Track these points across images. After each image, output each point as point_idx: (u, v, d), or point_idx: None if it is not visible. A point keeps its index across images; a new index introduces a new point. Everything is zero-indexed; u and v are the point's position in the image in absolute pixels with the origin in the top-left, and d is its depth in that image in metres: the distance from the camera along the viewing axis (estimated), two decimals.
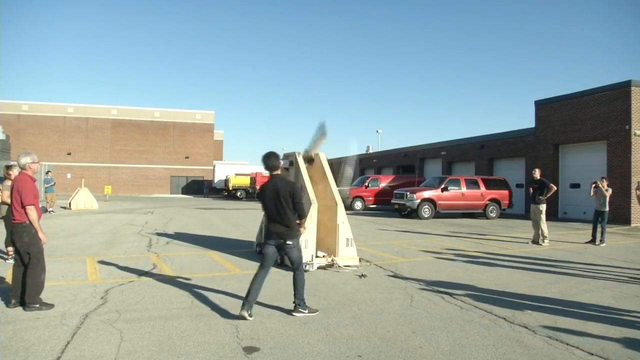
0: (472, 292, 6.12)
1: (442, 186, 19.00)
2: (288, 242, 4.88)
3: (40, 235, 5.13)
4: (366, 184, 24.99)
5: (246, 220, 16.99)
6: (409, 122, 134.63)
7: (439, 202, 18.78)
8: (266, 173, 5.21)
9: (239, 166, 47.23)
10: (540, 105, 21.31)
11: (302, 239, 7.31)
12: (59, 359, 3.71)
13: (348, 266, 7.67)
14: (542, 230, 11.21)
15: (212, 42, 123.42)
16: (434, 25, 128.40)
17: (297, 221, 4.99)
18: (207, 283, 6.46)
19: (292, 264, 5.02)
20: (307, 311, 4.93)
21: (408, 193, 18.91)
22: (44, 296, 5.21)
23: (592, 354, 3.96)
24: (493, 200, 19.54)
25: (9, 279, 6.18)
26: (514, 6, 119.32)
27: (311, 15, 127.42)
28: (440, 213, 19.29)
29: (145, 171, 48.30)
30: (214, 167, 48.47)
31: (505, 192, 19.97)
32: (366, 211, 23.63)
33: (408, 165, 33.15)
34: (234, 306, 5.14)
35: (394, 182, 25.05)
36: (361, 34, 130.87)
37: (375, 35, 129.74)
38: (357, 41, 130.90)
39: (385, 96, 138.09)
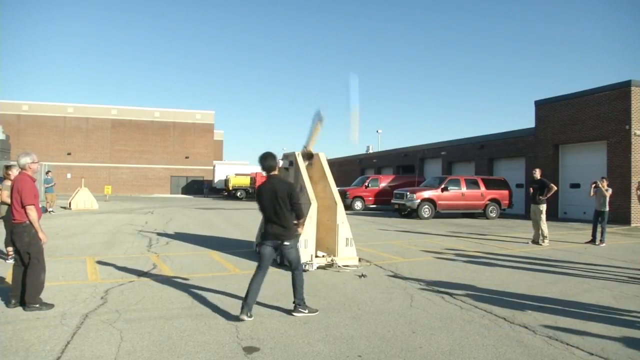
0: (472, 292, 6.12)
1: (442, 186, 19.00)
2: (285, 243, 4.87)
3: (40, 235, 5.13)
4: (366, 184, 24.98)
5: (246, 220, 16.99)
6: (409, 122, 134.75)
7: (439, 202, 18.78)
8: (265, 173, 5.20)
9: (239, 166, 47.24)
10: (540, 105, 21.31)
11: (302, 239, 7.33)
12: (59, 359, 3.71)
13: (348, 266, 7.67)
14: (542, 230, 11.21)
15: (212, 42, 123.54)
16: (434, 25, 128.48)
17: (295, 221, 4.98)
18: (207, 283, 6.46)
19: (290, 265, 5.00)
20: (307, 311, 4.93)
21: (408, 193, 18.91)
22: (44, 296, 5.21)
23: (592, 354, 3.96)
24: (493, 200, 19.54)
25: (9, 279, 6.18)
26: (514, 6, 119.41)
27: (311, 15, 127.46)
28: (440, 213, 19.29)
29: (145, 171, 48.30)
30: (214, 167, 48.47)
31: (505, 192, 19.98)
32: (366, 211, 23.63)
33: (408, 165, 33.15)
34: (234, 306, 5.14)
35: (394, 182, 25.04)
36: (361, 34, 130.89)
37: (375, 35, 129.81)
38: (357, 41, 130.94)
39: (385, 96, 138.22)
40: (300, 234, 5.23)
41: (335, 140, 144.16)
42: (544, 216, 11.25)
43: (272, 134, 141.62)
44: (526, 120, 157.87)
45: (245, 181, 39.91)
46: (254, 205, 5.54)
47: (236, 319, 4.71)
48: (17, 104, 45.70)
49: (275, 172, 5.06)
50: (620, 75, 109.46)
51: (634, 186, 16.55)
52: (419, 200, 18.44)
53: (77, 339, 4.16)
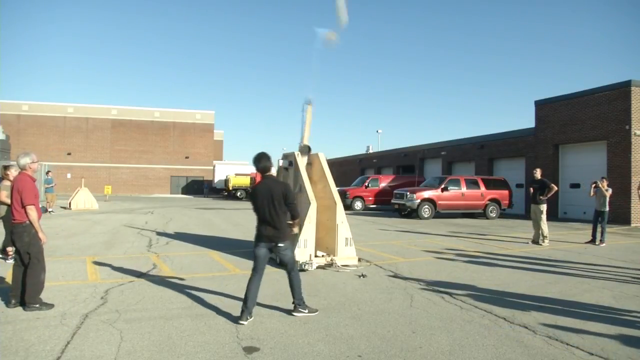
0: (472, 292, 6.12)
1: (442, 186, 19.00)
2: (280, 245, 4.84)
3: (40, 235, 5.14)
4: (366, 184, 24.98)
5: (246, 220, 16.99)
6: (409, 122, 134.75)
7: (439, 202, 18.79)
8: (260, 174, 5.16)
9: (239, 166, 47.20)
10: (540, 105, 21.32)
11: (302, 239, 7.35)
12: (59, 359, 3.71)
13: (347, 266, 7.67)
14: (542, 230, 11.22)
15: (212, 42, 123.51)
16: (434, 25, 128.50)
17: (290, 222, 4.97)
18: (207, 283, 6.46)
19: (286, 267, 4.96)
20: (307, 311, 4.93)
21: (408, 193, 18.91)
22: (44, 296, 5.21)
23: (592, 354, 3.96)
24: (493, 200, 19.55)
25: (9, 279, 6.18)
26: (514, 6, 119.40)
27: (311, 15, 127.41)
28: (440, 213, 19.29)
29: (145, 171, 48.30)
30: (214, 167, 48.47)
31: (505, 192, 19.98)
32: (366, 211, 23.63)
33: (408, 165, 33.15)
34: (234, 306, 5.14)
35: (394, 182, 25.05)
36: (361, 34, 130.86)
37: (375, 35, 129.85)
38: (357, 41, 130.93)
39: (385, 96, 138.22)
40: (295, 234, 5.22)
41: (335, 140, 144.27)
42: (544, 216, 11.25)
43: (272, 134, 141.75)
44: (526, 120, 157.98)
45: (245, 181, 39.91)
46: None
47: (236, 319, 4.71)
48: (17, 104, 45.70)
49: (270, 173, 5.03)
50: (620, 75, 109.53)
51: (634, 186, 16.55)
52: (419, 200, 18.44)
53: (77, 339, 4.16)
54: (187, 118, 50.02)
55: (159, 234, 12.44)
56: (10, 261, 7.25)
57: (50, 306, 5.09)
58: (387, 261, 8.48)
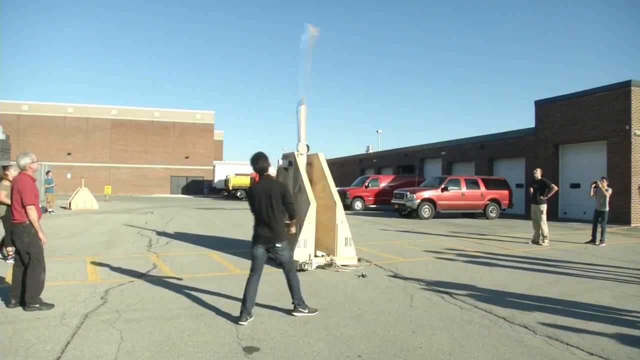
0: (472, 292, 6.12)
1: (442, 186, 19.01)
2: (277, 245, 4.83)
3: (40, 235, 5.14)
4: (366, 184, 24.98)
5: (246, 220, 16.98)
6: (409, 122, 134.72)
7: (439, 202, 18.79)
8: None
9: (239, 166, 47.16)
10: (540, 105, 21.32)
11: (301, 238, 7.35)
12: (59, 359, 3.71)
13: (347, 266, 7.68)
14: (542, 230, 11.22)
15: (212, 42, 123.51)
16: (434, 25, 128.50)
17: (287, 221, 4.97)
18: (207, 283, 6.46)
19: (284, 267, 4.96)
20: (307, 311, 4.93)
21: (408, 193, 18.91)
22: (44, 296, 5.21)
23: (592, 354, 3.96)
24: (493, 200, 19.55)
25: (9, 279, 6.18)
26: (514, 6, 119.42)
27: (311, 15, 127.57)
28: (440, 213, 19.29)
29: (145, 171, 48.30)
30: (214, 167, 48.46)
31: (505, 192, 19.98)
32: (366, 211, 23.63)
33: (408, 165, 33.15)
34: (234, 306, 5.14)
35: (394, 182, 25.04)
36: (361, 34, 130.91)
37: (375, 35, 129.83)
38: (357, 41, 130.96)
39: (385, 96, 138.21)
40: (293, 234, 5.22)
41: (335, 140, 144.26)
42: (544, 216, 11.25)
43: (272, 134, 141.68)
44: (526, 120, 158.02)
45: (245, 181, 39.90)
46: None
47: (236, 319, 4.71)
48: (17, 104, 45.69)
49: (268, 173, 5.03)
50: (620, 75, 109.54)
51: (634, 186, 16.56)
52: (419, 200, 18.44)
53: (77, 339, 4.16)
54: (187, 118, 50.02)
55: (159, 233, 12.44)
56: (10, 261, 7.25)
57: (50, 306, 5.09)
58: (387, 261, 8.48)
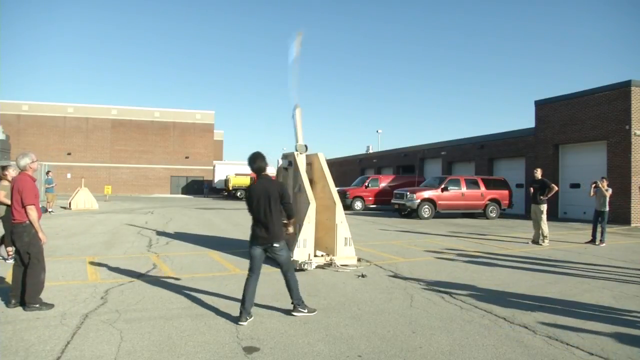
0: (472, 292, 6.12)
1: (442, 186, 19.01)
2: (275, 245, 4.82)
3: (40, 235, 5.14)
4: (366, 184, 24.98)
5: (246, 220, 16.93)
6: (409, 122, 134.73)
7: (439, 202, 18.79)
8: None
9: (239, 166, 47.15)
10: (540, 105, 21.32)
11: (301, 238, 7.35)
12: (59, 359, 3.71)
13: (346, 265, 7.68)
14: (542, 230, 11.21)
15: (212, 42, 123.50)
16: (434, 25, 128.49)
17: (285, 221, 4.97)
18: (207, 283, 6.46)
19: (282, 267, 4.95)
20: (306, 311, 4.93)
21: (408, 193, 18.91)
22: (44, 296, 5.21)
23: (592, 354, 3.96)
24: (493, 200, 19.55)
25: (9, 279, 6.18)
26: (514, 6, 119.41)
27: (311, 15, 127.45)
28: (440, 213, 19.29)
29: (145, 171, 48.30)
30: (214, 167, 48.45)
31: (505, 192, 19.98)
32: (366, 211, 23.63)
33: (408, 165, 33.16)
34: (234, 306, 5.14)
35: (394, 182, 25.04)
36: (361, 34, 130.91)
37: (375, 35, 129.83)
38: (357, 41, 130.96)
39: (385, 96, 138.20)
40: (292, 234, 5.22)
41: (335, 140, 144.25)
42: (544, 216, 11.25)
43: (272, 134, 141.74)
44: (526, 120, 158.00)
45: (245, 181, 39.86)
46: None
47: (236, 319, 4.71)
48: (17, 104, 45.69)
49: (266, 173, 5.02)
50: (620, 75, 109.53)
51: (634, 186, 16.57)
52: (419, 200, 18.44)
53: (77, 339, 4.16)
54: (187, 118, 50.02)
55: (159, 233, 12.44)
56: (10, 261, 7.25)
57: (50, 306, 5.09)
58: (387, 261, 8.48)
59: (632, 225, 16.60)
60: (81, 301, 5.41)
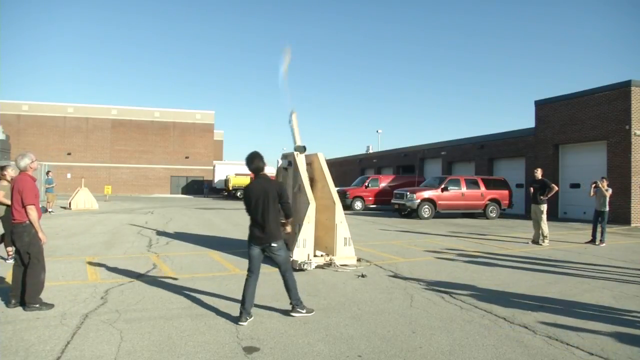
0: (472, 292, 6.12)
1: (442, 186, 19.01)
2: (273, 245, 4.82)
3: (40, 235, 5.14)
4: (366, 184, 24.98)
5: (246, 220, 16.84)
6: (409, 122, 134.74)
7: (439, 202, 18.79)
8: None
9: (239, 166, 47.09)
10: (540, 105, 21.32)
11: (300, 238, 7.36)
12: (59, 359, 3.71)
13: (346, 265, 7.68)
14: (542, 230, 11.22)
15: (212, 42, 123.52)
16: (434, 25, 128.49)
17: (283, 221, 4.97)
18: (207, 283, 6.46)
19: (280, 267, 4.95)
20: (304, 311, 4.93)
21: (408, 193, 18.91)
22: (44, 296, 5.21)
23: (592, 354, 3.96)
24: (493, 200, 19.55)
25: (9, 279, 6.18)
26: (514, 6, 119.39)
27: (311, 15, 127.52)
28: (440, 213, 19.29)
29: (145, 171, 48.30)
30: (214, 167, 48.45)
31: (505, 192, 19.98)
32: (366, 211, 23.63)
33: (408, 165, 33.16)
34: (234, 306, 5.14)
35: (394, 182, 25.05)
36: (361, 34, 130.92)
37: (375, 35, 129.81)
38: (357, 41, 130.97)
39: (385, 96, 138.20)
40: (291, 234, 5.22)
41: (335, 140, 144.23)
42: (544, 216, 11.25)
43: (272, 134, 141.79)
44: (526, 120, 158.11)
45: (245, 181, 39.85)
46: None
47: (236, 319, 4.71)
48: (17, 104, 45.69)
49: (264, 173, 5.02)
50: (620, 75, 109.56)
51: (634, 185, 16.57)
52: (419, 200, 18.44)
53: (77, 339, 4.16)
54: (187, 118, 50.01)
55: (159, 233, 12.44)
56: (10, 261, 7.25)
57: (50, 306, 5.09)
58: (387, 261, 8.48)
59: (632, 225, 16.61)
60: (81, 301, 5.41)
